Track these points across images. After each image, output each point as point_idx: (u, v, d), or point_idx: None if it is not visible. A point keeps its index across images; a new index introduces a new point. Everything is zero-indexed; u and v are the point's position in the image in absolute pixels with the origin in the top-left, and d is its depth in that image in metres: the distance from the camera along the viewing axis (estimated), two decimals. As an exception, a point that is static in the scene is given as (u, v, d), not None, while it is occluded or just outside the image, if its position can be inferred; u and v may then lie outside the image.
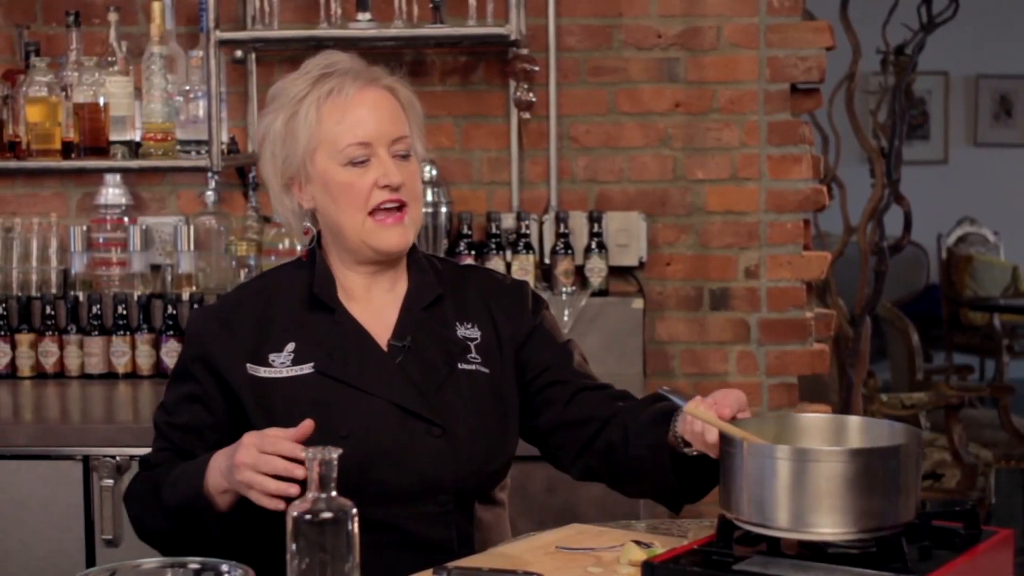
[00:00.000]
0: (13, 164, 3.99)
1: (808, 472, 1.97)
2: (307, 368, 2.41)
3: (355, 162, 2.38)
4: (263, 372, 2.41)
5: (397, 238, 2.42)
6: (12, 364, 4.13)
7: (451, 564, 2.15)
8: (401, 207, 2.40)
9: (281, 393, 2.38)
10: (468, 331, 2.50)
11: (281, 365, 2.42)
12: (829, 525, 1.96)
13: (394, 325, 2.47)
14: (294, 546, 1.85)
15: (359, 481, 2.21)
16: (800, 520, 1.98)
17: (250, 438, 2.19)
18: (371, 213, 2.39)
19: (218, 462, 2.27)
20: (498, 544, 2.46)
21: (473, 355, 2.47)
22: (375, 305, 2.49)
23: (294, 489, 2.11)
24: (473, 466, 2.42)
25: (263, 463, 2.15)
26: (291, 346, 2.44)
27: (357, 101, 2.38)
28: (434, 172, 4.17)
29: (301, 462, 2.07)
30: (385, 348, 2.43)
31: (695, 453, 2.28)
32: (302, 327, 2.44)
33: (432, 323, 2.47)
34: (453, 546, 2.40)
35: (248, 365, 2.42)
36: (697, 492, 2.40)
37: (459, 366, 2.46)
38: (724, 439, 2.09)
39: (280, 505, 2.12)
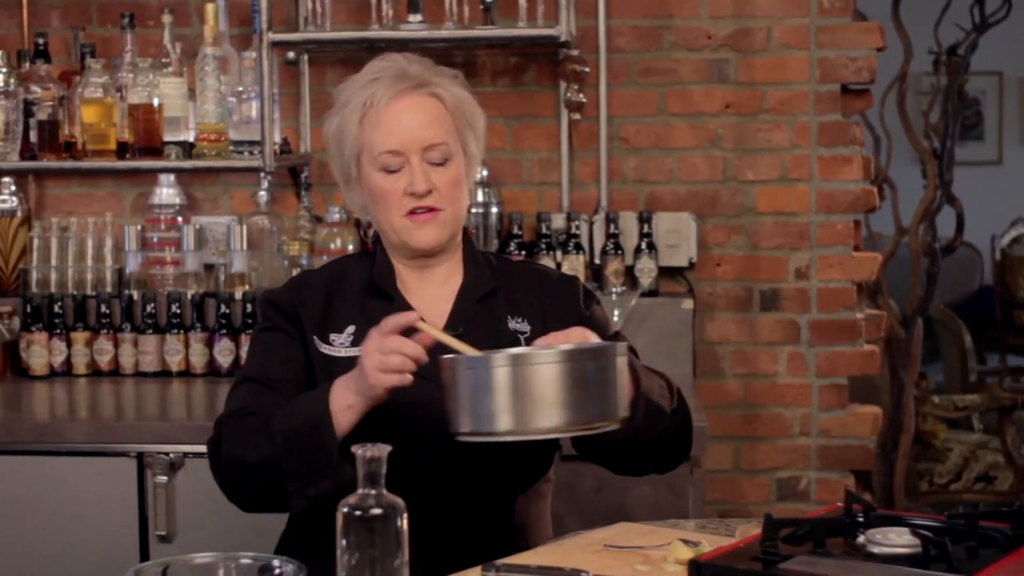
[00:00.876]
0: (69, 164, 4.04)
1: (523, 375, 2.08)
2: None
3: (388, 169, 2.46)
4: (324, 349, 2.50)
5: (429, 235, 2.49)
6: (68, 362, 4.18)
7: (499, 561, 2.17)
8: (431, 210, 2.48)
9: (341, 371, 2.42)
10: (519, 325, 2.55)
11: (340, 345, 2.52)
12: (547, 422, 2.08)
13: (448, 316, 2.52)
14: (344, 542, 1.87)
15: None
16: (521, 422, 2.08)
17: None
18: (406, 214, 2.48)
19: (342, 379, 2.36)
20: (538, 537, 2.50)
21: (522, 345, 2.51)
22: (430, 296, 2.56)
23: (411, 365, 2.25)
24: (515, 457, 2.45)
25: (386, 344, 2.25)
26: (351, 328, 2.52)
27: (392, 109, 2.46)
28: (485, 173, 4.20)
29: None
30: None
31: None
32: (362, 312, 2.51)
33: (485, 315, 2.52)
34: (493, 539, 2.45)
35: (315, 338, 2.51)
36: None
37: None
38: (443, 361, 2.18)
39: (407, 380, 2.25)
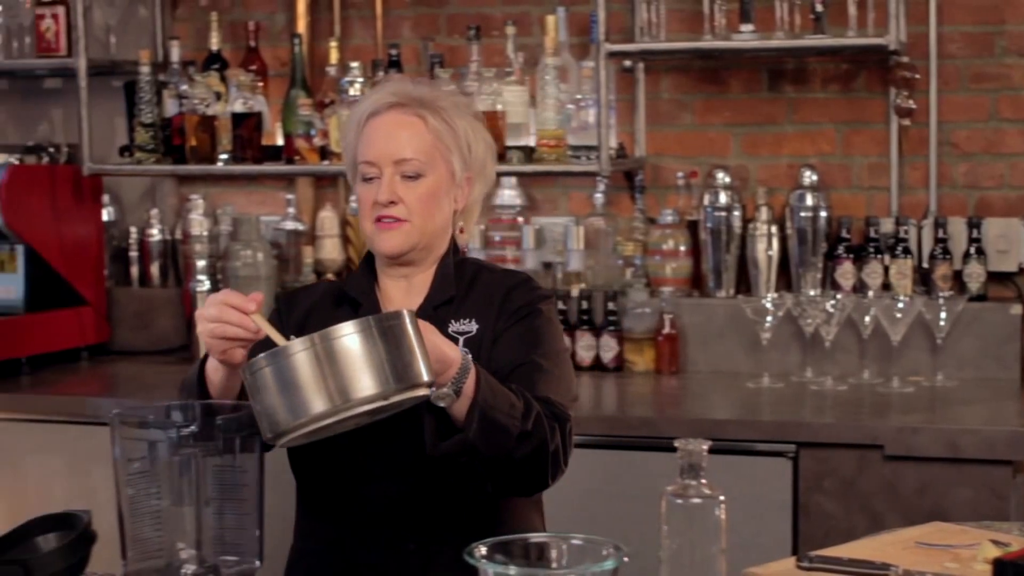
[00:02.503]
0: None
1: (330, 353, 2.14)
2: None
3: (366, 177, 2.63)
4: None
5: (391, 242, 2.62)
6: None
7: (813, 552, 2.28)
8: (398, 220, 2.60)
9: None
10: (463, 325, 2.64)
11: None
12: (359, 392, 2.13)
13: None
14: (665, 528, 2.02)
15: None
16: (334, 398, 2.13)
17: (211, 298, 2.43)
18: (375, 220, 2.62)
19: None
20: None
21: (461, 347, 2.56)
22: (399, 304, 2.66)
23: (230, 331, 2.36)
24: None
25: (207, 311, 2.39)
26: None
27: (374, 123, 2.63)
28: (814, 177, 4.29)
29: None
30: None
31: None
32: (333, 318, 2.50)
33: (435, 322, 2.53)
34: (417, 524, 2.57)
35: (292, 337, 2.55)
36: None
37: None
38: (244, 368, 2.21)
39: (228, 346, 2.38)
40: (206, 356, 2.50)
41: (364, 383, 2.16)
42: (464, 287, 2.70)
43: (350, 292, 2.72)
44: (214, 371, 2.48)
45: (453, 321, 2.65)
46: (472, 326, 2.65)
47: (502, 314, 2.65)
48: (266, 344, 2.32)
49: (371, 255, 2.73)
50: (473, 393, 2.40)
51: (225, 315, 2.37)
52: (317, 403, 2.14)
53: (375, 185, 2.61)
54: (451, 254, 2.72)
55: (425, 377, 2.23)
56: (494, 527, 2.57)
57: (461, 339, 2.62)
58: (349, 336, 2.17)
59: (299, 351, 2.16)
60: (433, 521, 2.58)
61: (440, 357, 2.36)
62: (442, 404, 2.39)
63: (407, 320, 2.24)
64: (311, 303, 2.71)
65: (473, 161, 2.68)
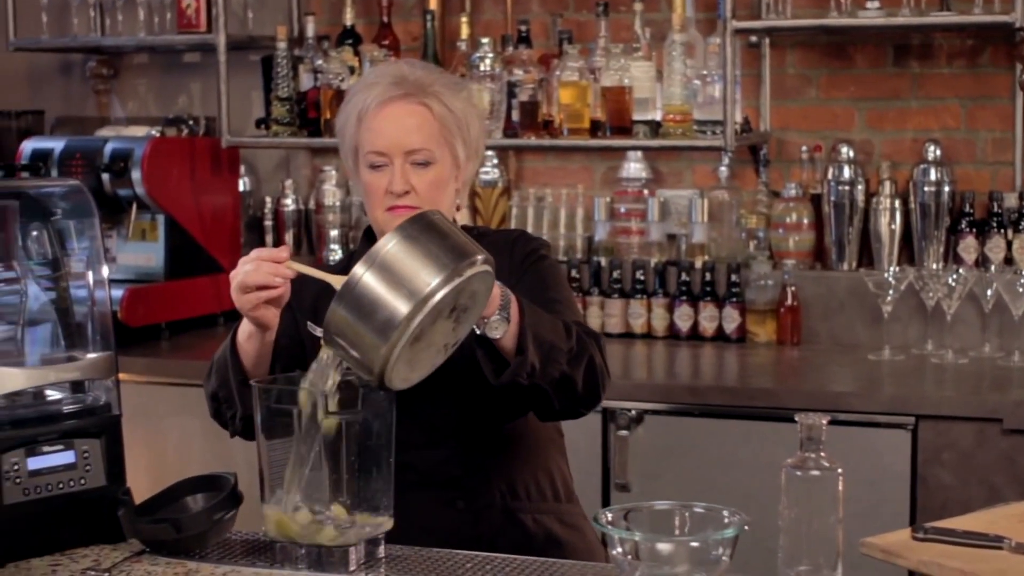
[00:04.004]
0: (547, 142, 4.37)
1: (388, 264, 2.22)
2: None
3: (374, 166, 2.68)
4: (316, 332, 2.55)
5: None
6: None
7: (928, 524, 2.34)
8: (410, 208, 2.65)
9: None
10: None
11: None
12: (432, 281, 2.21)
13: None
14: (785, 499, 2.10)
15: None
16: (412, 299, 2.20)
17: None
18: (387, 209, 2.67)
19: None
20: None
21: None
22: None
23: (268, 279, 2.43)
24: (475, 410, 2.63)
25: (243, 263, 2.46)
26: None
27: (381, 114, 2.67)
28: (938, 152, 4.32)
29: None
30: None
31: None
32: None
33: None
34: (464, 483, 2.68)
35: (309, 322, 2.62)
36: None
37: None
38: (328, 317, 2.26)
39: (265, 296, 2.44)
40: (234, 333, 2.59)
41: (429, 275, 2.23)
42: None
43: None
44: (246, 339, 2.56)
45: None
46: None
47: (512, 267, 2.76)
48: (294, 355, 2.44)
49: (370, 231, 2.82)
50: (519, 318, 2.48)
51: (260, 267, 2.45)
52: (400, 310, 2.21)
53: (385, 173, 2.68)
54: None
55: (479, 253, 2.31)
56: (534, 479, 2.74)
57: None
58: (396, 243, 2.25)
59: (362, 275, 2.24)
60: (477, 480, 2.70)
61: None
62: (497, 335, 2.46)
63: (436, 216, 2.33)
64: (319, 287, 2.67)
65: (471, 140, 2.76)
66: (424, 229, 2.29)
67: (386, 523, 2.39)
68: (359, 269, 2.24)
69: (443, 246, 2.28)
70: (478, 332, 2.45)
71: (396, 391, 2.35)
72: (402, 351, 2.24)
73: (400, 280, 2.23)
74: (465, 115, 2.74)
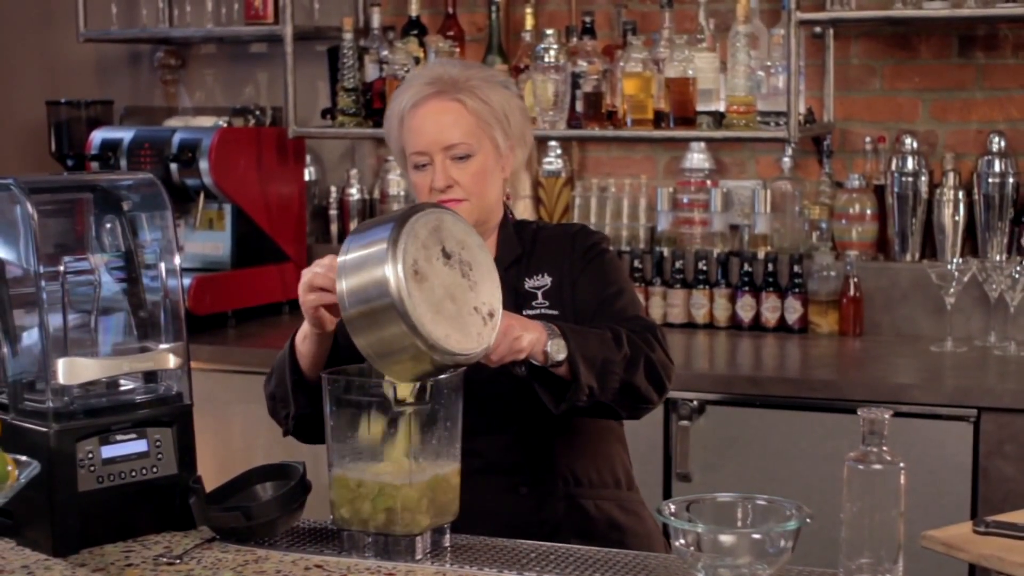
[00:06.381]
0: (611, 133, 4.39)
1: (350, 262, 2.29)
2: None
3: (418, 165, 2.75)
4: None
5: None
6: (603, 312, 4.56)
7: (990, 517, 2.35)
8: (456, 201, 2.71)
9: None
10: (537, 280, 2.80)
11: None
12: (391, 223, 2.27)
13: None
14: (847, 492, 2.12)
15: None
16: (382, 242, 2.25)
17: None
18: None
19: None
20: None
21: (540, 300, 2.78)
22: None
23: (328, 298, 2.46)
24: (538, 398, 2.62)
25: (311, 267, 2.51)
26: None
27: (417, 114, 2.74)
28: (1002, 143, 4.31)
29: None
30: None
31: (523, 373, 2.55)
32: None
33: (509, 280, 2.72)
34: (527, 469, 2.73)
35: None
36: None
37: (524, 312, 2.72)
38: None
39: (325, 298, 2.47)
40: (294, 334, 2.65)
41: (383, 227, 2.30)
42: (528, 245, 2.86)
43: None
44: (302, 341, 2.63)
45: (527, 278, 2.82)
46: (546, 279, 2.82)
47: (574, 261, 2.82)
48: (354, 356, 2.44)
49: None
50: (566, 346, 2.52)
51: (329, 272, 2.47)
52: (380, 251, 2.27)
53: (428, 172, 2.75)
54: (507, 218, 2.88)
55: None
56: (595, 466, 2.79)
57: (539, 292, 2.80)
58: (344, 248, 2.33)
59: (343, 292, 2.30)
60: (540, 466, 2.75)
61: (525, 326, 2.50)
62: (560, 356, 2.51)
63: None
64: None
65: (512, 130, 2.80)
66: (360, 227, 2.37)
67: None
68: (338, 289, 2.30)
69: (383, 217, 2.37)
70: (537, 363, 2.52)
71: (463, 379, 2.40)
72: (410, 288, 2.25)
73: (366, 254, 2.28)
74: (503, 106, 2.79)
